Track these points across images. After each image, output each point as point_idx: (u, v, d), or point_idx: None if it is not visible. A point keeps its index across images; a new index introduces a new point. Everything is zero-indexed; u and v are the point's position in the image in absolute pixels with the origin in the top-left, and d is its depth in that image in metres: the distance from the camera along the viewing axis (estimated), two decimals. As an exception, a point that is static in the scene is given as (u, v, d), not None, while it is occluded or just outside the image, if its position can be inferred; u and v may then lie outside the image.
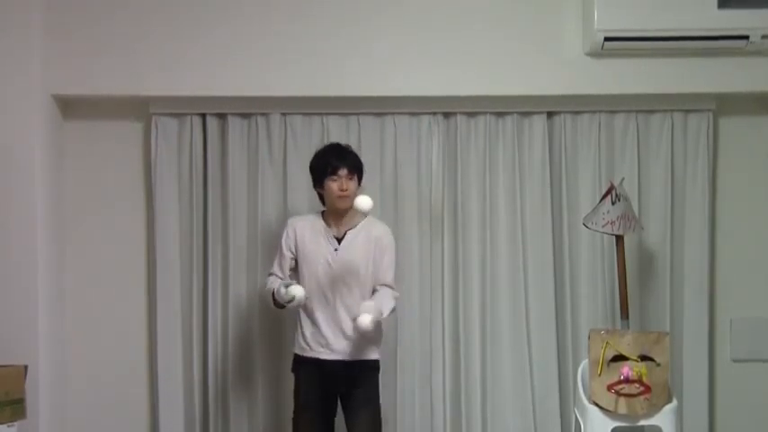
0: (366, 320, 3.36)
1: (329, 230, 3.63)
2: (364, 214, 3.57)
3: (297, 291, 3.44)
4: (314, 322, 3.59)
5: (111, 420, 4.15)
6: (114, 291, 4.19)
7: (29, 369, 3.64)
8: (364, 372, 3.61)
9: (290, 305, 3.49)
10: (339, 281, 3.56)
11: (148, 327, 4.19)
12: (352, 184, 3.61)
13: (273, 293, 3.53)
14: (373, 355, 3.63)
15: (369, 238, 3.62)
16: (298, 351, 3.67)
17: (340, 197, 3.57)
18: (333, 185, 3.58)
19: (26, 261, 3.84)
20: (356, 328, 3.42)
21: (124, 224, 4.20)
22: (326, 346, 3.57)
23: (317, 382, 3.61)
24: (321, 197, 3.70)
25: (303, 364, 3.65)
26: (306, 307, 3.59)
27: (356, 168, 3.64)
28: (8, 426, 3.46)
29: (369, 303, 3.45)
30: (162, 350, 4.10)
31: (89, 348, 4.15)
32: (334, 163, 3.59)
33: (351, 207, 3.59)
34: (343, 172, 3.58)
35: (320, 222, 3.67)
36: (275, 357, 4.12)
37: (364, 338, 3.54)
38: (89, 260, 4.17)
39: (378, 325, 3.53)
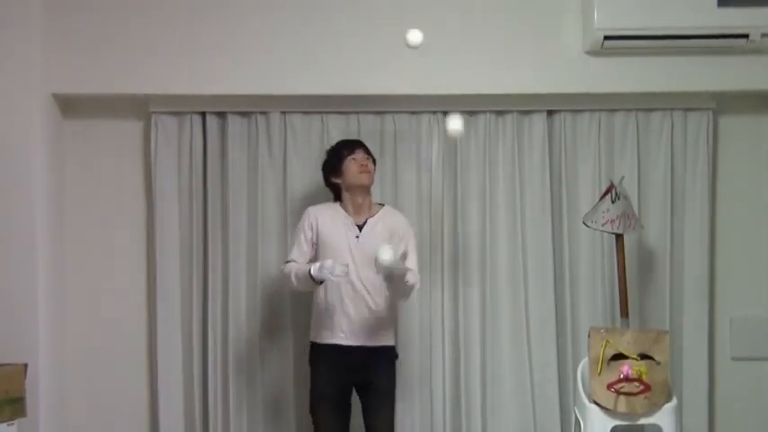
0: (387, 253, 3.31)
1: (349, 218, 3.67)
2: (414, 47, 3.49)
3: (343, 266, 3.44)
4: (335, 308, 3.60)
5: (111, 419, 4.15)
6: (114, 289, 4.19)
7: (29, 368, 3.63)
8: (383, 359, 3.65)
9: (339, 277, 3.44)
10: (360, 267, 3.58)
11: (148, 326, 4.19)
12: (371, 164, 3.71)
13: (311, 272, 3.46)
14: (390, 341, 3.68)
15: (387, 226, 3.68)
16: (316, 339, 3.68)
17: (362, 172, 3.66)
18: (353, 164, 3.68)
19: (26, 260, 3.84)
20: (377, 263, 3.37)
21: (124, 223, 4.20)
22: (347, 331, 3.59)
23: (335, 371, 3.62)
24: (336, 190, 3.75)
25: (321, 353, 3.66)
26: (327, 293, 3.61)
27: (371, 154, 3.76)
28: (8, 424, 3.46)
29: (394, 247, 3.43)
30: (162, 349, 4.10)
31: (89, 347, 4.15)
32: (351, 145, 3.75)
33: (370, 190, 3.69)
34: (360, 152, 3.71)
35: (340, 211, 3.72)
36: (275, 355, 4.12)
37: (381, 321, 3.59)
38: (89, 259, 4.17)
39: (393, 308, 3.65)
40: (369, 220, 3.69)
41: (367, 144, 4.03)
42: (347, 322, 3.59)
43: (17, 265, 3.83)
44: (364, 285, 3.59)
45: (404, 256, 3.54)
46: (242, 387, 4.12)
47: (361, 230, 3.66)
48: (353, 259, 3.59)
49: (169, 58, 3.96)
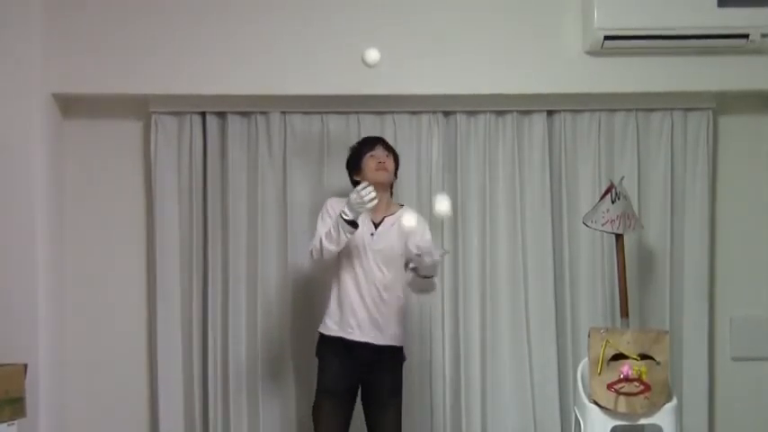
0: (411, 219, 3.45)
1: (366, 215, 3.63)
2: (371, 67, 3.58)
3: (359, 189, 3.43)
4: (345, 303, 3.60)
5: (111, 419, 4.15)
6: (114, 289, 4.19)
7: (28, 368, 3.63)
8: (391, 359, 3.65)
9: (372, 198, 3.42)
10: (373, 264, 3.58)
11: (148, 326, 4.19)
12: (390, 161, 3.69)
13: (342, 216, 3.45)
14: (399, 342, 3.67)
15: (403, 228, 3.65)
16: (325, 331, 3.67)
17: (378, 169, 3.64)
18: (370, 160, 3.66)
19: (26, 260, 3.84)
20: (402, 224, 3.51)
21: (124, 222, 4.20)
22: (357, 327, 3.58)
23: (342, 365, 3.61)
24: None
25: (330, 346, 3.65)
26: (339, 287, 3.61)
27: (392, 150, 3.75)
28: (8, 424, 3.46)
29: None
30: (162, 350, 4.10)
31: (89, 348, 4.15)
32: (370, 142, 3.73)
33: (389, 188, 3.70)
34: (379, 148, 3.69)
35: None
36: (275, 356, 4.12)
37: (391, 319, 3.60)
38: (89, 259, 4.17)
39: (404, 308, 3.67)
40: (386, 219, 3.67)
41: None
42: (356, 318, 3.58)
43: (17, 265, 3.83)
44: (376, 283, 3.59)
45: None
46: (242, 387, 4.11)
47: (377, 228, 3.65)
48: (367, 257, 3.59)
49: (169, 58, 3.96)
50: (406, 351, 3.77)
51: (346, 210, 3.46)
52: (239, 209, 4.14)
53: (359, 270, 3.59)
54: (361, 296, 3.59)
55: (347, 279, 3.60)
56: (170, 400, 4.09)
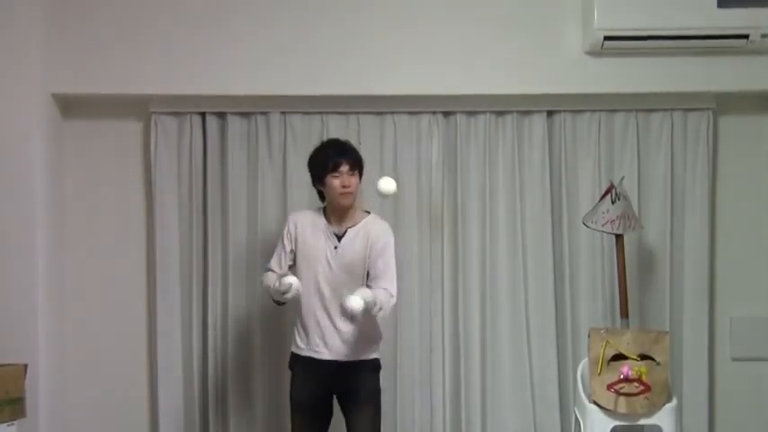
0: (357, 302, 3.26)
1: (330, 227, 3.56)
2: (385, 197, 3.61)
3: (291, 279, 3.37)
4: (311, 320, 3.53)
5: (111, 420, 4.16)
6: (114, 290, 4.19)
7: (28, 368, 3.63)
8: (362, 372, 3.55)
9: (286, 297, 3.40)
10: (338, 279, 3.48)
11: (148, 326, 4.19)
12: (354, 180, 3.53)
13: (270, 290, 3.52)
14: (372, 355, 3.59)
15: (367, 237, 3.54)
16: (294, 349, 3.63)
17: (342, 194, 3.50)
18: (335, 182, 3.49)
19: (26, 260, 3.83)
20: (344, 309, 3.31)
21: (124, 223, 4.20)
22: (323, 345, 3.52)
23: (312, 381, 3.56)
24: (321, 194, 3.64)
25: (299, 363, 3.61)
26: (304, 304, 3.54)
27: (357, 164, 3.56)
28: (8, 425, 3.45)
29: (364, 289, 3.37)
30: (162, 350, 4.10)
31: (89, 348, 4.15)
32: (336, 159, 3.50)
33: (353, 204, 3.56)
34: (344, 168, 3.50)
35: (321, 219, 3.59)
36: (275, 357, 4.12)
37: (360, 336, 3.49)
38: (89, 259, 4.18)
39: (375, 323, 3.55)
40: (349, 231, 3.55)
41: (366, 145, 4.05)
42: (322, 336, 3.51)
43: (17, 265, 3.82)
44: (338, 298, 3.43)
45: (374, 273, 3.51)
46: (242, 387, 4.12)
47: (340, 241, 3.54)
48: (333, 272, 3.49)
49: (169, 58, 3.95)
50: (404, 350, 3.76)
51: (272, 294, 3.52)
52: (239, 209, 4.14)
53: (325, 287, 3.49)
54: (329, 314, 3.50)
55: (312, 296, 3.51)
56: (170, 400, 4.09)
